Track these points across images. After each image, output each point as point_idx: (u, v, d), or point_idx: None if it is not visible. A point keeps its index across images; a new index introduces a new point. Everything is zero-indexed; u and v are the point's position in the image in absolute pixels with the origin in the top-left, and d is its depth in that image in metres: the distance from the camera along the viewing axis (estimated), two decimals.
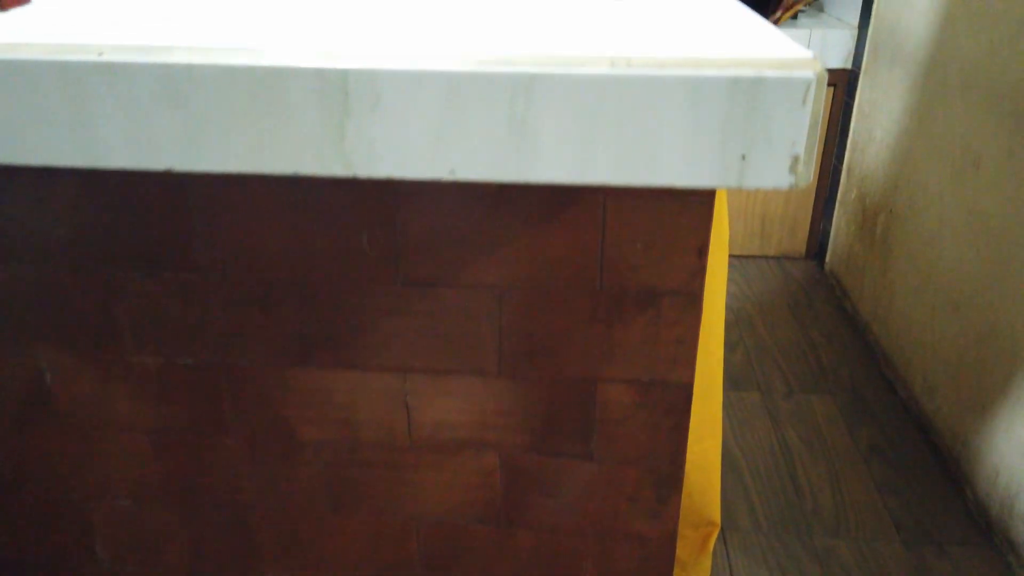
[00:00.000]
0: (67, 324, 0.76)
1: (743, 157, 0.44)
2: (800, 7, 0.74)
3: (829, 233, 2.28)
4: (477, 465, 0.81)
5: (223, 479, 0.84)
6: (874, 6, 2.00)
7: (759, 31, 0.50)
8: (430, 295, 0.73)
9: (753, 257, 2.46)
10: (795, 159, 0.44)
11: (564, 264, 0.70)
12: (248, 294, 0.73)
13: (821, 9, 2.35)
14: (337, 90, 0.45)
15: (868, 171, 2.04)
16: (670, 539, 0.82)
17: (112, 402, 0.81)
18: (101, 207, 0.66)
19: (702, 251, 0.70)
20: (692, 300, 0.73)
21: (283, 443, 0.81)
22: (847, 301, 2.13)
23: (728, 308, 2.15)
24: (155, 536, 0.87)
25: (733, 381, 1.86)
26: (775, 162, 0.44)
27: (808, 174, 0.44)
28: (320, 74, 0.44)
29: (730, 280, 2.23)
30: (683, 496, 0.84)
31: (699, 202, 0.59)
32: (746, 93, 0.42)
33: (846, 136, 2.19)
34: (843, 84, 2.15)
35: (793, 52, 0.44)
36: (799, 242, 2.39)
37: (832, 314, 2.13)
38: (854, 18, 2.10)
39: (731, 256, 2.43)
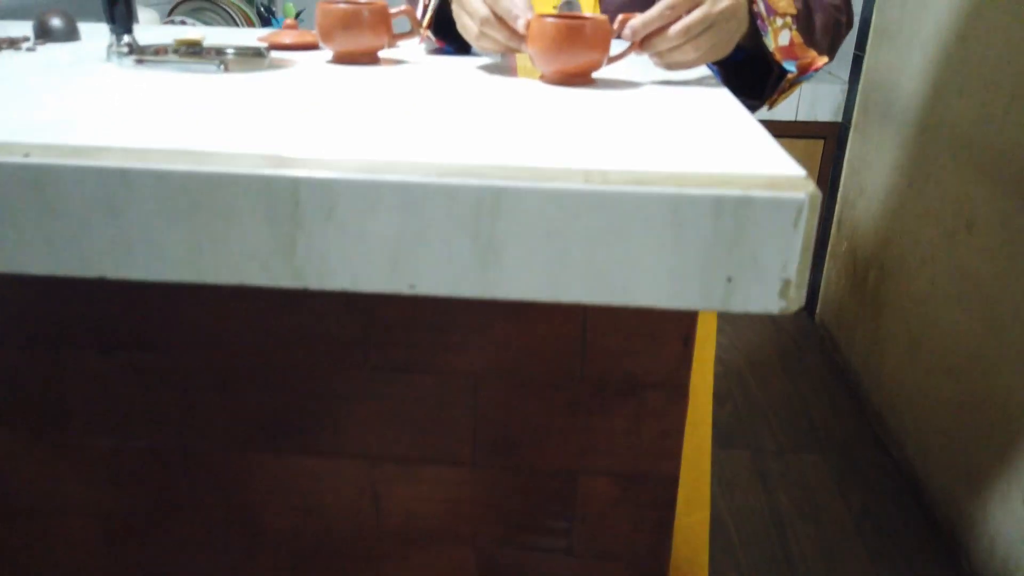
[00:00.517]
0: (14, 404, 0.71)
1: (729, 280, 0.40)
2: (798, 88, 0.73)
3: (820, 285, 2.25)
4: (450, 559, 0.76)
5: (180, 570, 0.78)
6: (864, 62, 2.00)
7: (749, 139, 0.46)
8: (401, 381, 0.69)
9: None
10: (786, 283, 0.40)
11: (543, 352, 0.66)
12: (208, 376, 0.69)
13: None
14: (287, 200, 0.41)
15: (858, 225, 2.02)
16: None
17: (61, 486, 0.76)
18: (51, 282, 0.62)
19: (688, 340, 0.66)
20: (678, 391, 0.69)
21: (244, 532, 0.76)
22: (838, 355, 2.09)
23: (717, 359, 2.11)
24: None
25: (722, 438, 1.81)
26: (764, 286, 0.40)
27: (800, 298, 0.41)
28: (268, 182, 0.41)
29: (719, 330, 2.19)
30: (670, 571, 0.80)
31: None
32: (732, 214, 0.39)
33: (836, 188, 2.18)
34: (833, 137, 2.15)
35: (784, 168, 0.40)
36: None
37: (822, 367, 2.09)
38: (844, 72, 2.10)
39: None
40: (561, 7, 0.92)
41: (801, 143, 2.16)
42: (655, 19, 0.59)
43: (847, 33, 0.81)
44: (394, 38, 0.72)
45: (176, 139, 0.44)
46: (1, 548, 0.77)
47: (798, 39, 0.63)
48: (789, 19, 0.62)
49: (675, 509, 0.75)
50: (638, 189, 0.39)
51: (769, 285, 0.40)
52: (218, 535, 0.77)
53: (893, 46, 1.86)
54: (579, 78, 0.62)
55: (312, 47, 0.78)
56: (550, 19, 0.60)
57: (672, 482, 0.73)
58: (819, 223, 2.25)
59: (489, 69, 0.70)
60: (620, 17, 0.61)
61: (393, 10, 0.71)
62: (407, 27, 0.73)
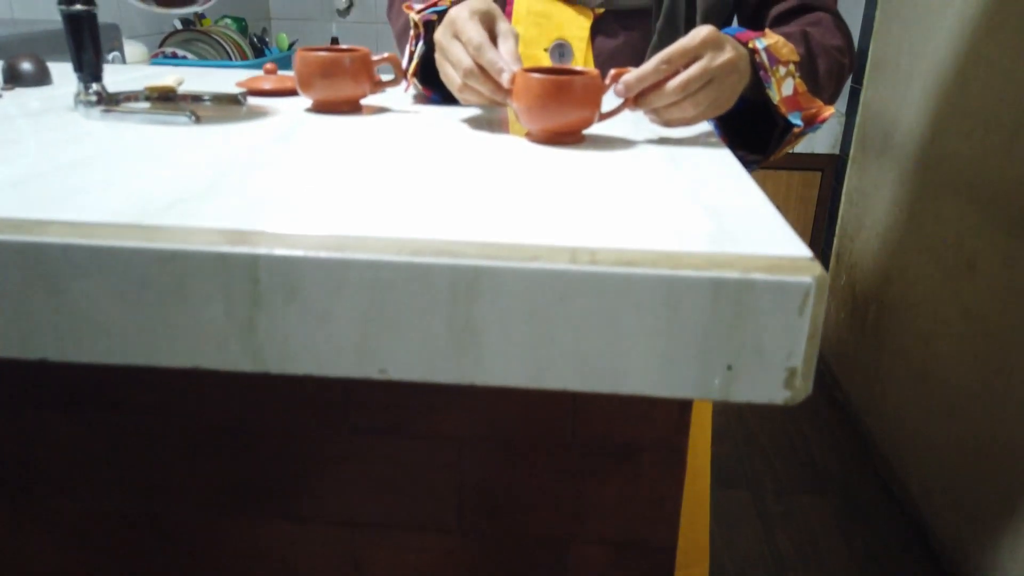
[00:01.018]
0: None
1: (729, 368, 0.37)
2: (803, 139, 0.69)
3: None
4: None
5: None
6: (862, 95, 1.99)
7: (752, 212, 0.43)
8: (383, 443, 0.65)
9: None
10: (791, 373, 0.36)
11: (532, 413, 0.62)
12: (179, 436, 0.65)
13: None
14: (245, 279, 0.37)
15: (858, 259, 2.00)
16: None
17: (26, 550, 0.72)
18: None
19: (685, 401, 0.62)
20: (675, 454, 0.65)
21: None
22: (838, 390, 2.05)
23: None
24: None
25: (722, 479, 1.77)
26: (767, 375, 0.37)
27: (807, 387, 0.37)
28: (225, 260, 0.37)
29: None
30: None
31: None
32: (732, 298, 0.35)
33: (834, 221, 2.15)
34: (831, 169, 2.12)
35: (789, 248, 0.37)
36: None
37: (823, 403, 2.05)
38: (842, 105, 2.08)
39: None
40: (551, 51, 0.90)
41: (799, 175, 2.14)
42: (650, 74, 0.55)
43: (849, 75, 0.78)
44: (377, 86, 0.69)
45: (128, 209, 0.41)
46: None
47: (802, 87, 0.60)
48: (792, 66, 0.59)
49: None
50: (629, 271, 0.36)
51: (773, 374, 0.37)
52: None
53: (891, 80, 1.85)
54: (567, 137, 0.58)
55: (293, 93, 0.76)
56: (536, 75, 0.56)
57: (669, 550, 0.69)
58: (818, 255, 2.23)
59: (475, 123, 0.67)
60: (612, 72, 0.57)
61: (376, 57, 0.68)
62: (391, 74, 0.70)
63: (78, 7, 0.61)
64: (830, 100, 0.73)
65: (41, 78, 0.76)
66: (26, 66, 0.73)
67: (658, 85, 0.55)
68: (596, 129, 0.62)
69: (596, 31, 0.89)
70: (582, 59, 0.89)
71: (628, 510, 0.67)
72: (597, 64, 0.92)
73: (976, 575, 1.36)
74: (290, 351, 0.39)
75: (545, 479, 0.66)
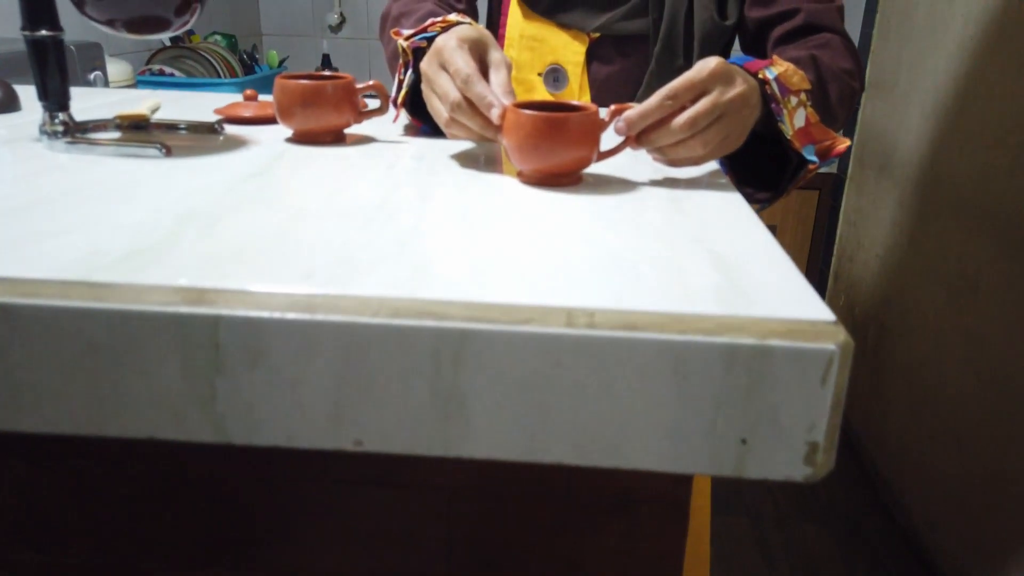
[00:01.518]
0: None
1: (743, 442, 0.33)
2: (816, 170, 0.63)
3: None
4: None
5: None
6: (860, 114, 1.96)
7: (768, 268, 0.39)
8: (368, 494, 0.61)
9: None
10: (812, 447, 0.33)
11: (526, 464, 0.58)
12: (151, 487, 0.61)
13: None
14: (205, 343, 0.33)
15: (856, 280, 1.97)
16: None
17: None
18: None
19: None
20: (676, 509, 0.61)
21: None
22: None
23: None
24: None
25: (720, 505, 1.72)
26: (786, 449, 0.33)
27: (829, 462, 0.33)
28: (183, 322, 0.33)
29: None
30: None
31: None
32: (747, 366, 0.32)
33: (832, 241, 2.12)
34: (829, 188, 2.10)
35: (810, 311, 0.33)
36: None
37: None
38: None
39: None
40: (545, 76, 0.86)
41: (796, 193, 2.12)
42: (654, 110, 0.51)
43: (859, 98, 0.75)
44: (361, 115, 0.66)
45: (78, 262, 0.37)
46: None
47: (814, 117, 0.56)
48: (803, 95, 0.55)
49: None
50: (632, 335, 0.32)
51: (792, 449, 0.33)
52: None
53: (889, 99, 1.83)
54: (563, 178, 0.53)
55: (275, 120, 0.72)
56: (528, 111, 0.51)
57: None
58: (816, 276, 2.20)
59: (464, 159, 0.62)
60: (612, 107, 0.53)
61: (360, 85, 0.65)
62: (377, 103, 0.67)
63: (43, 32, 0.58)
64: (841, 127, 0.69)
65: (8, 104, 0.72)
66: None
67: (663, 122, 0.51)
68: (593, 168, 0.57)
69: (592, 56, 0.86)
70: (577, 85, 0.86)
71: (627, 565, 0.63)
72: (593, 90, 0.89)
73: None
74: (255, 421, 0.35)
75: (539, 532, 0.62)
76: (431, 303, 0.34)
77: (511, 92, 0.54)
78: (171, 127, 0.67)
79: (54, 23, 0.58)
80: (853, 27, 2.01)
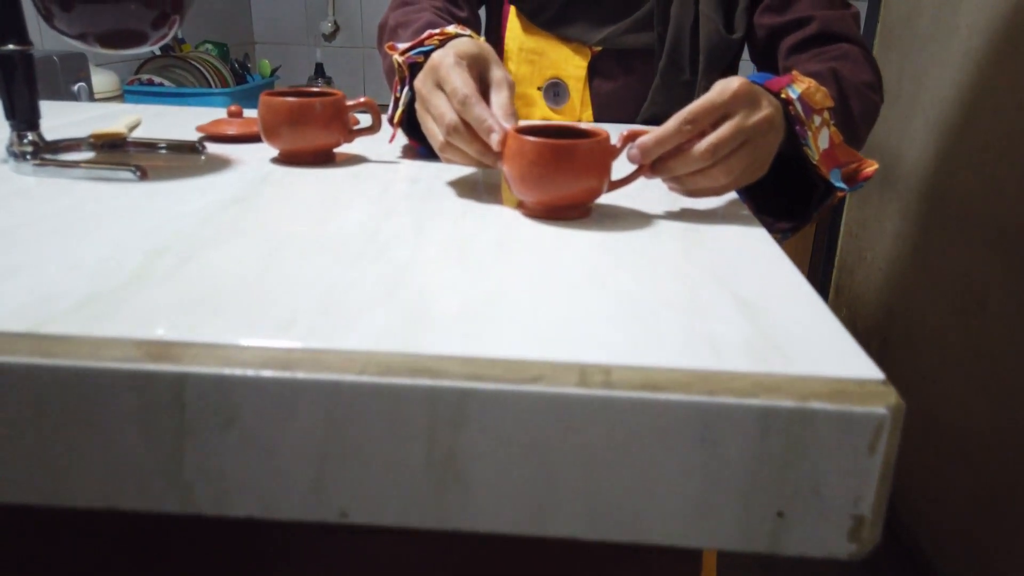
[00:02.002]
0: None
1: (779, 515, 0.29)
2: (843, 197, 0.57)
3: None
4: None
5: None
6: None
7: (804, 318, 0.35)
8: (363, 540, 0.57)
9: None
10: (858, 521, 0.29)
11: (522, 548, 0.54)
12: (125, 535, 0.57)
13: None
14: (171, 403, 0.30)
15: (858, 293, 1.93)
16: None
17: None
18: None
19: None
20: (689, 560, 0.57)
21: None
22: None
23: None
24: None
25: None
26: (828, 524, 0.29)
27: (875, 536, 0.30)
28: (145, 379, 0.29)
29: None
30: None
31: None
32: (784, 431, 0.28)
33: (833, 253, 2.09)
34: None
35: (855, 366, 0.30)
36: None
37: None
38: None
39: None
40: (545, 91, 0.83)
41: None
42: (671, 136, 0.46)
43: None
44: (352, 134, 0.62)
45: (29, 308, 0.33)
46: None
47: (838, 137, 0.51)
48: (827, 113, 0.50)
49: None
50: (654, 396, 0.28)
51: (835, 524, 0.29)
52: None
53: (892, 109, 1.80)
54: (569, 211, 0.48)
55: (260, 138, 0.68)
56: (531, 137, 0.46)
57: None
58: (816, 288, 2.16)
59: (462, 186, 0.57)
60: (624, 132, 0.48)
61: (351, 102, 0.61)
62: (369, 121, 0.63)
63: (10, 47, 0.54)
64: (864, 146, 0.65)
65: None
66: None
67: (681, 148, 0.47)
68: (602, 197, 0.52)
69: (594, 71, 0.83)
70: (579, 100, 0.83)
71: None
72: (594, 106, 0.85)
73: None
74: (228, 490, 0.31)
75: None
76: (426, 358, 0.30)
77: (513, 114, 0.49)
78: (150, 146, 0.63)
79: (22, 37, 0.54)
80: None
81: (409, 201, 0.52)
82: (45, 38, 1.24)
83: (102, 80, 1.41)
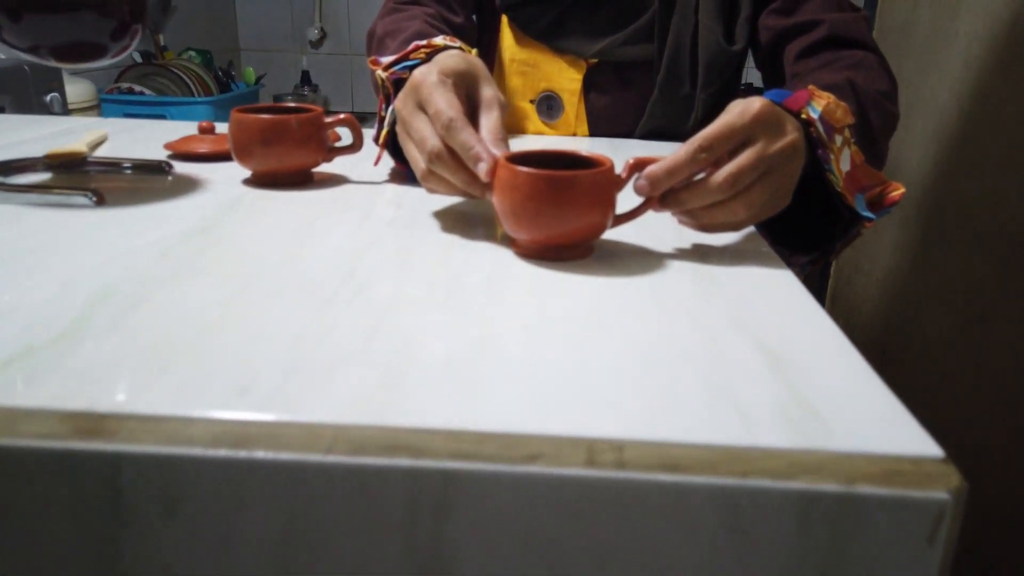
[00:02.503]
0: None
1: None
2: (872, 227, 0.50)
3: None
4: None
5: None
6: None
7: (844, 380, 0.31)
8: None
9: None
10: None
11: None
12: None
13: None
14: (102, 485, 0.25)
15: (856, 304, 1.90)
16: None
17: None
18: None
19: None
20: None
21: None
22: None
23: None
24: None
25: None
26: None
27: None
28: (74, 460, 0.25)
29: None
30: None
31: None
32: (827, 519, 0.24)
33: (829, 263, 2.06)
34: None
35: (910, 443, 0.25)
36: None
37: None
38: None
39: None
40: (538, 104, 0.78)
41: None
42: (684, 164, 0.41)
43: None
44: (331, 153, 0.57)
45: None
46: None
47: (859, 157, 0.46)
48: (847, 131, 0.45)
49: None
50: (675, 479, 0.24)
51: None
52: None
53: None
54: (568, 251, 0.43)
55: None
56: (524, 168, 0.40)
57: None
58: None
59: (450, 216, 0.51)
60: (630, 160, 0.42)
61: (330, 119, 0.56)
62: (350, 138, 0.58)
63: None
64: (884, 163, 0.60)
65: None
66: None
67: (696, 181, 0.42)
68: (604, 234, 0.45)
69: (589, 84, 0.78)
70: (573, 114, 0.78)
71: None
72: (590, 120, 0.81)
73: None
74: None
75: None
76: (405, 433, 0.25)
77: (504, 140, 0.44)
78: (113, 166, 0.59)
79: None
80: None
81: (392, 229, 0.48)
82: None
83: (77, 90, 1.36)
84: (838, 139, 0.43)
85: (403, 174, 0.59)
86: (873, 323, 1.81)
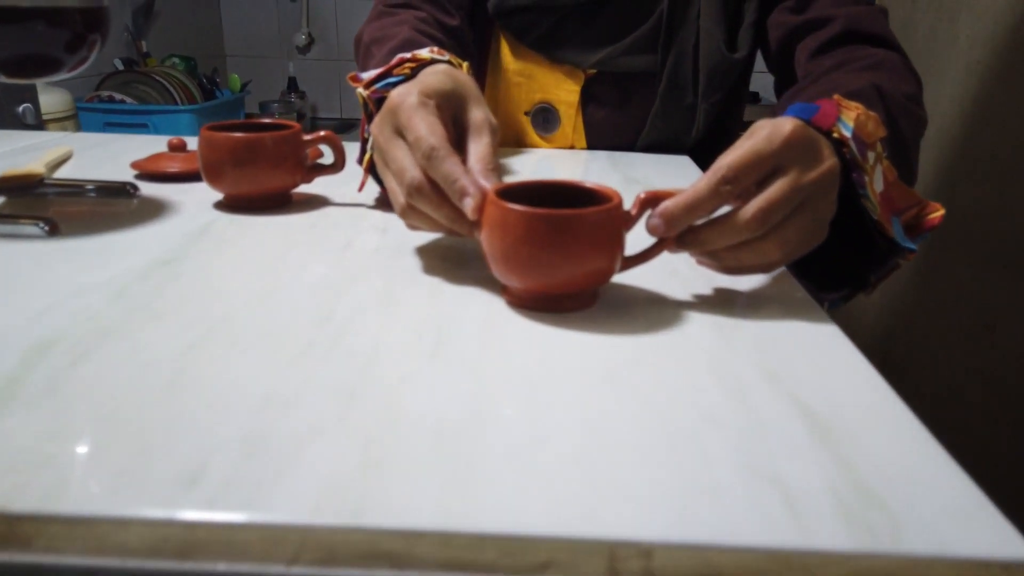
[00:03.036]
0: None
1: None
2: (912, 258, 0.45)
3: None
4: None
5: None
6: None
7: (893, 438, 0.27)
8: None
9: None
10: None
11: None
12: None
13: None
14: None
15: (857, 313, 1.87)
16: None
17: None
18: None
19: None
20: None
21: None
22: None
23: None
24: None
25: None
26: None
27: None
28: None
29: None
30: None
31: None
32: None
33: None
34: None
35: (996, 542, 0.21)
36: None
37: None
38: None
39: None
40: (533, 116, 0.74)
41: None
42: (705, 199, 0.35)
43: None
44: (311, 173, 0.53)
45: None
46: None
47: (891, 173, 0.41)
48: (880, 145, 0.40)
49: None
50: None
51: None
52: None
53: None
54: (569, 302, 0.37)
55: None
56: (516, 206, 0.34)
57: None
58: None
59: (436, 251, 0.45)
60: (642, 195, 0.36)
61: (308, 136, 0.52)
62: (331, 158, 0.53)
63: None
64: (916, 178, 0.54)
65: None
66: None
67: (720, 217, 0.36)
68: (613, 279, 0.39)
69: (588, 96, 0.74)
70: (570, 127, 0.74)
71: None
72: (588, 133, 0.76)
73: None
74: None
75: None
76: (386, 536, 0.21)
77: (495, 170, 0.38)
78: (74, 188, 0.54)
79: None
80: None
81: (376, 259, 0.43)
82: None
83: (51, 100, 1.31)
84: (870, 156, 0.38)
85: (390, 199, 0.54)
86: (874, 331, 1.77)
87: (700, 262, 0.39)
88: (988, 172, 1.33)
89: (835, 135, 0.37)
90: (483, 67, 0.76)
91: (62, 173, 0.60)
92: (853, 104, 0.39)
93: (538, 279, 0.35)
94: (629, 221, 0.36)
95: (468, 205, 0.36)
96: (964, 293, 1.39)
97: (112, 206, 0.52)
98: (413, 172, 0.37)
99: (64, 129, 1.37)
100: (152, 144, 0.72)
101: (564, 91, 0.72)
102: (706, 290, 0.40)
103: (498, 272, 0.36)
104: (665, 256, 0.38)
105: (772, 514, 0.22)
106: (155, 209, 0.51)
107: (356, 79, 0.48)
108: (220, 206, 0.52)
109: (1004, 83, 1.32)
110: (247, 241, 0.46)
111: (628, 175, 0.66)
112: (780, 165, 0.35)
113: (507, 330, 0.35)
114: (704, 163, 0.74)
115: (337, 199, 0.55)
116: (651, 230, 0.36)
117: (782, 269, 0.43)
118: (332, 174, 0.53)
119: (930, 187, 1.52)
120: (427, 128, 0.37)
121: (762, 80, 1.24)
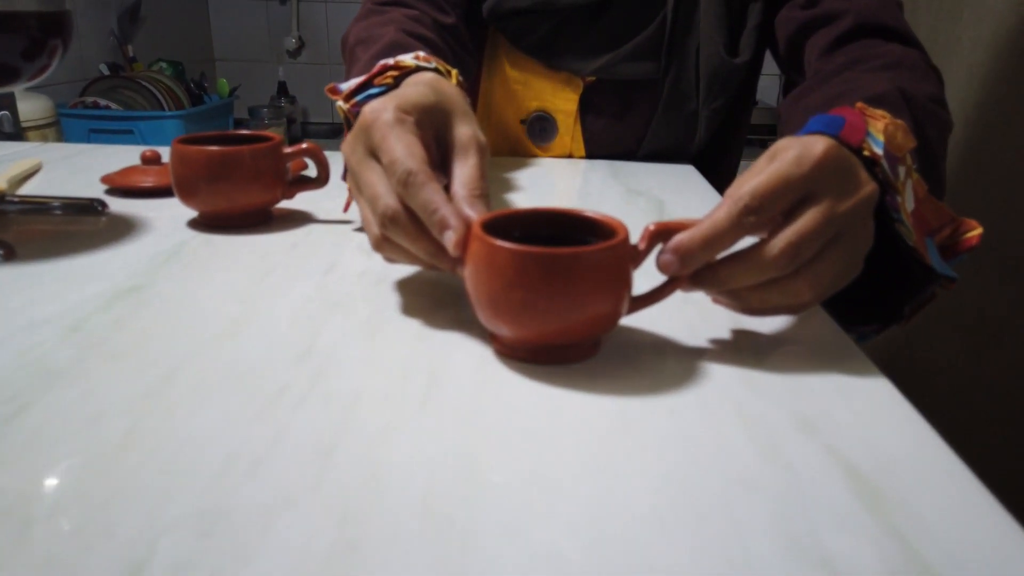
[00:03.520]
0: None
1: None
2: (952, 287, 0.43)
3: None
4: None
5: None
6: None
7: (948, 495, 0.23)
8: None
9: None
10: None
11: None
12: None
13: None
14: None
15: None
16: None
17: None
18: None
19: None
20: None
21: None
22: None
23: None
24: None
25: None
26: None
27: None
28: None
29: None
30: None
31: None
32: None
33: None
34: None
35: None
36: None
37: None
38: None
39: None
40: (529, 124, 0.70)
41: None
42: (726, 232, 0.30)
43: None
44: (292, 188, 0.49)
45: None
46: None
47: (921, 188, 0.37)
48: (909, 157, 0.36)
49: None
50: None
51: None
52: None
53: None
54: (568, 352, 0.32)
55: None
56: (504, 243, 0.29)
57: None
58: None
59: (422, 281, 0.41)
60: (651, 226, 0.32)
61: (289, 149, 0.48)
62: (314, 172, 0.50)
63: None
64: (944, 190, 0.50)
65: None
66: None
67: (741, 254, 0.31)
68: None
69: (586, 104, 0.70)
70: (568, 136, 0.71)
71: None
72: (587, 143, 0.73)
73: None
74: None
75: None
76: None
77: (483, 196, 0.33)
78: (38, 205, 0.50)
79: None
80: None
81: (361, 285, 0.40)
82: None
83: (31, 107, 1.27)
84: (900, 171, 0.35)
85: None
86: (878, 341, 1.75)
87: (717, 300, 0.34)
88: (992, 178, 1.31)
89: (866, 153, 0.33)
90: (477, 73, 0.72)
91: (28, 188, 0.57)
92: (879, 113, 0.35)
93: (531, 327, 0.30)
94: (637, 257, 0.32)
95: (449, 239, 0.31)
96: (969, 302, 1.36)
97: (78, 224, 0.48)
98: (387, 200, 0.32)
99: (45, 138, 1.33)
100: (128, 155, 0.68)
101: (562, 99, 0.69)
102: (723, 331, 0.36)
103: (484, 318, 0.32)
104: (676, 294, 0.33)
105: None
106: (123, 228, 0.47)
107: (335, 91, 0.43)
108: (194, 224, 0.48)
109: (1008, 86, 1.29)
110: (220, 264, 0.42)
111: (630, 186, 0.63)
112: (811, 192, 0.31)
113: (505, 376, 0.31)
114: (707, 172, 0.71)
115: (321, 215, 0.52)
116: (663, 267, 0.31)
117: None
118: (315, 189, 0.50)
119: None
120: (404, 149, 0.32)
121: (761, 81, 1.21)
